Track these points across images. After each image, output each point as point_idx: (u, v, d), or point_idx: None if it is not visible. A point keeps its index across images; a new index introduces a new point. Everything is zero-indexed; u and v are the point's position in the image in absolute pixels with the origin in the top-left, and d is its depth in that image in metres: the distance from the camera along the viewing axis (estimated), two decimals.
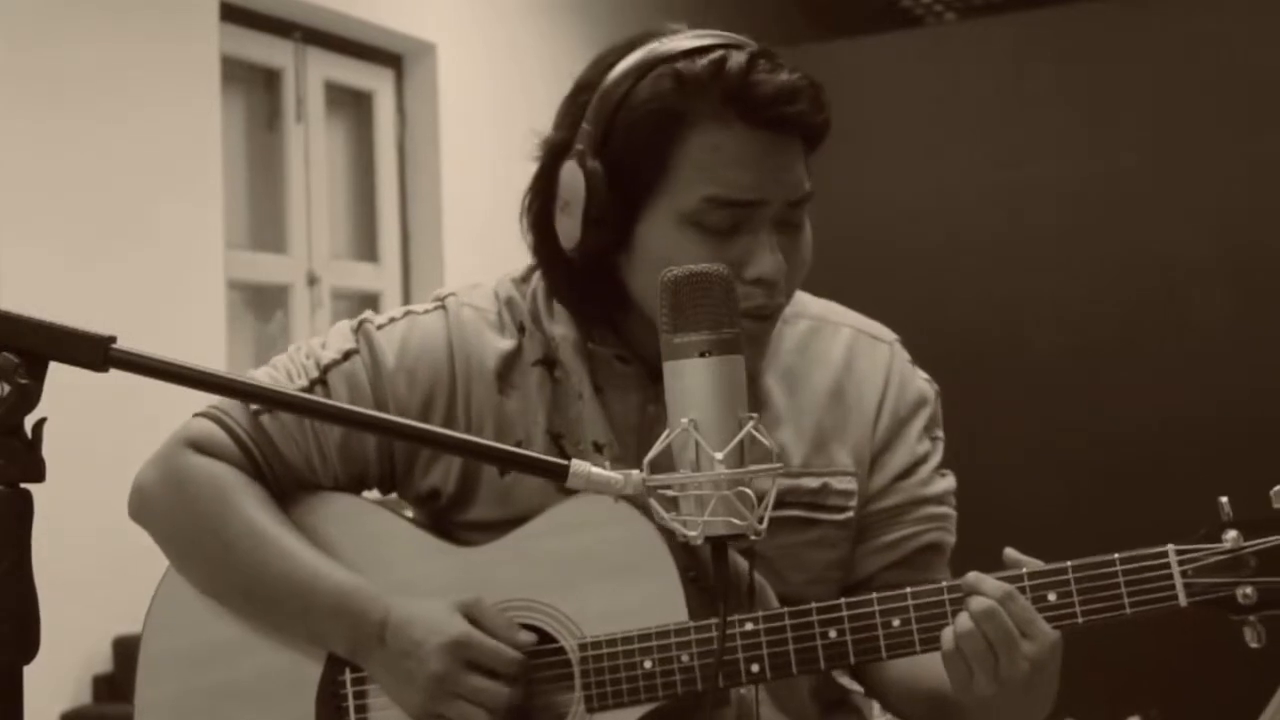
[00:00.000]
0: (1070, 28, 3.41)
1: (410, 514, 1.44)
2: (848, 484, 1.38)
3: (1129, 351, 3.23)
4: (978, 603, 1.17)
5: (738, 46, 1.28)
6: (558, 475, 1.00)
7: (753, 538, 1.00)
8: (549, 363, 1.38)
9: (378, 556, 1.36)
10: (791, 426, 1.37)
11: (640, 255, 1.29)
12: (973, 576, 1.19)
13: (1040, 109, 3.35)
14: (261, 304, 4.45)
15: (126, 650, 3.46)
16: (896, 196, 3.42)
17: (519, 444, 1.34)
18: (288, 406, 1.22)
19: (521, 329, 1.39)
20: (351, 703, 1.34)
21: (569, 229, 1.30)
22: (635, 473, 1.01)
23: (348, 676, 1.34)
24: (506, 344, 1.38)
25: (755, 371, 1.36)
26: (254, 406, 1.36)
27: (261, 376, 1.38)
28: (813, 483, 1.36)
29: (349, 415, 1.13)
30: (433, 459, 1.37)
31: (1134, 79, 3.30)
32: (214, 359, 3.80)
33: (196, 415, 1.39)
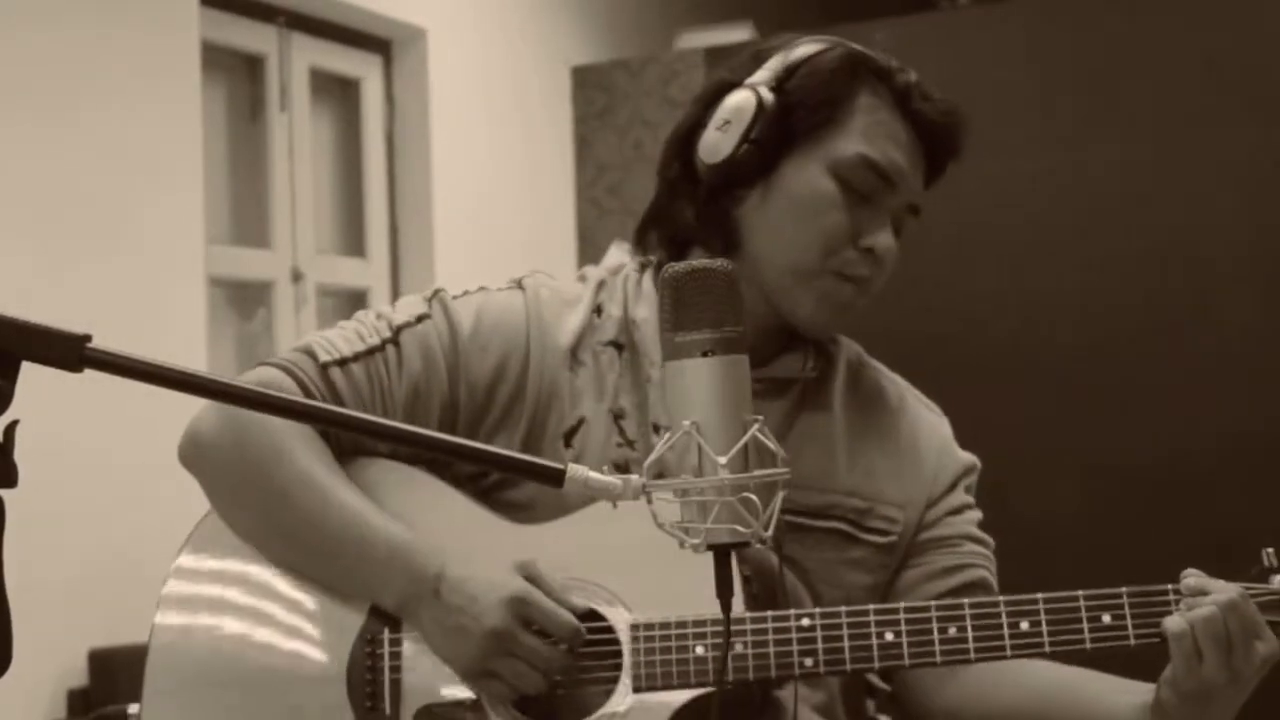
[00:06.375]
0: (1085, 11, 3.38)
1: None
2: (893, 513, 1.46)
3: (1151, 350, 3.17)
4: (1222, 595, 1.23)
5: None
6: (554, 480, 0.98)
7: (756, 544, 0.98)
8: (620, 346, 1.44)
9: (429, 525, 1.37)
10: (845, 451, 1.46)
11: (776, 191, 1.41)
12: (1195, 582, 1.25)
13: (1055, 95, 3.32)
14: (244, 301, 4.40)
15: (102, 664, 3.38)
16: None
17: (582, 419, 1.41)
18: (277, 409, 1.17)
19: (598, 310, 1.46)
20: (387, 653, 1.33)
21: (717, 144, 1.41)
22: (635, 477, 0.99)
23: (385, 636, 1.34)
24: (580, 321, 1.44)
25: (827, 381, 1.48)
26: (324, 359, 1.38)
27: (332, 335, 1.41)
28: (860, 503, 1.45)
29: (344, 419, 1.08)
30: (493, 433, 1.40)
31: (1151, 64, 3.26)
32: (194, 358, 3.75)
33: (262, 364, 1.40)
